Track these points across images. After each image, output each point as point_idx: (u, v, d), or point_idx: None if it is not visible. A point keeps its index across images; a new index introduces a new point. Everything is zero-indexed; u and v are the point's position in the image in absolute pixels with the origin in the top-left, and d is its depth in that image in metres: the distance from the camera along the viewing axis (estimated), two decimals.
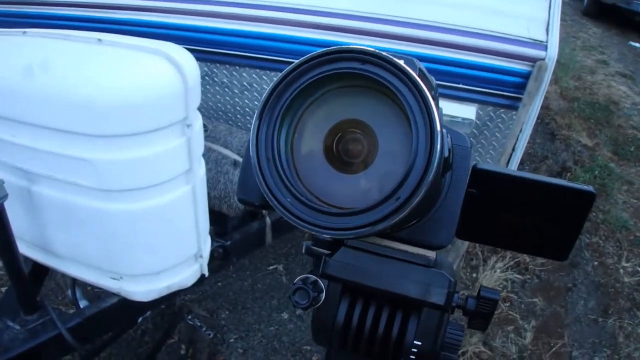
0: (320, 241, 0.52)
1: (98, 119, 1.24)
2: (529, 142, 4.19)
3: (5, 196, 1.31)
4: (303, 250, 0.53)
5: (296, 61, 0.39)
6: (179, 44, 1.49)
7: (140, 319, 2.13)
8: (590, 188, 0.49)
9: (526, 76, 1.70)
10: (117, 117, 1.24)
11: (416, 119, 0.36)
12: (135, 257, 1.48)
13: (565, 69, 5.61)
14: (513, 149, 1.86)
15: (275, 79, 0.41)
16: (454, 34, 1.71)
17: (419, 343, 0.49)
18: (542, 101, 1.74)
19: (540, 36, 1.69)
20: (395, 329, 0.50)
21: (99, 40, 1.33)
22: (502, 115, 1.81)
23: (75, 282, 1.88)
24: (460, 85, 1.77)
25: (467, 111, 1.80)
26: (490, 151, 1.93)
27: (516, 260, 3.00)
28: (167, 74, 1.28)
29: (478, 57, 1.71)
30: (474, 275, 2.94)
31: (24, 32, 1.39)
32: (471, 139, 1.88)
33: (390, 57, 0.37)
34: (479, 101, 1.80)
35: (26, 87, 1.26)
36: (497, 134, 1.87)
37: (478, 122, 1.83)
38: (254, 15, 1.86)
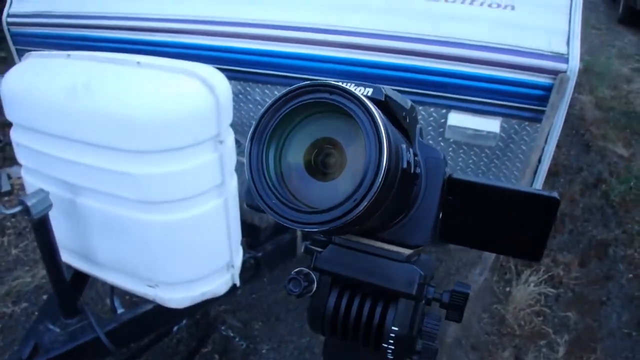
0: (315, 241, 0.61)
1: (137, 136, 1.34)
2: (563, 154, 4.16)
3: (50, 206, 1.41)
4: (302, 250, 0.61)
5: (280, 93, 0.49)
6: (214, 64, 1.57)
7: (176, 328, 2.21)
8: (554, 194, 0.55)
9: (548, 89, 1.72)
10: (154, 134, 1.34)
11: (369, 137, 0.44)
12: (170, 266, 1.56)
13: (601, 78, 5.52)
14: (539, 161, 1.87)
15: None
16: (475, 49, 1.74)
17: (396, 329, 0.57)
18: (565, 113, 1.76)
19: (561, 49, 1.71)
20: (377, 317, 0.58)
21: (138, 62, 1.43)
22: (527, 128, 1.83)
23: (113, 290, 1.98)
24: (484, 100, 1.81)
25: (491, 124, 1.82)
26: (517, 164, 1.94)
27: (550, 274, 2.97)
28: (200, 93, 1.37)
29: (500, 71, 1.74)
30: (507, 289, 2.93)
31: (68, 55, 1.50)
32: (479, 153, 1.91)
33: (349, 88, 0.46)
34: (503, 114, 1.82)
35: (71, 106, 1.36)
36: (522, 146, 1.89)
37: (503, 135, 1.86)
38: (285, 37, 1.94)
